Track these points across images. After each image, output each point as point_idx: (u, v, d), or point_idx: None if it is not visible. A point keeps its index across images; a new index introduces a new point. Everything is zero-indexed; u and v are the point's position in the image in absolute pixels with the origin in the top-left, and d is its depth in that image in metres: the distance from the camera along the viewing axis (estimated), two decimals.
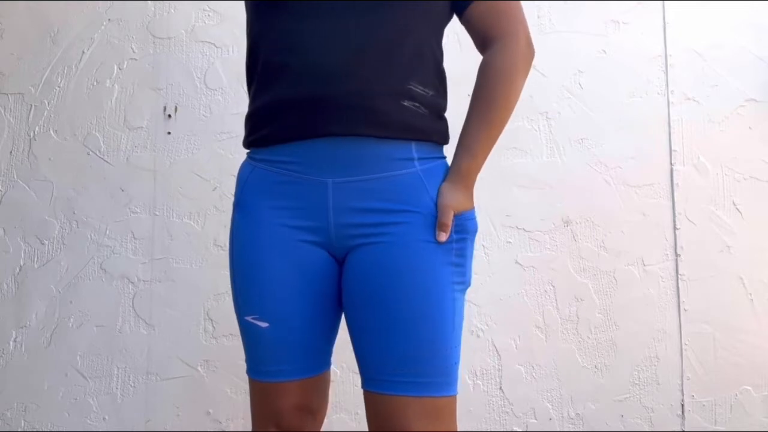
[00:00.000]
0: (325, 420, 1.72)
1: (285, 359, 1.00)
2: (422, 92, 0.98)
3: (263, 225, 0.99)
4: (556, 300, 1.87)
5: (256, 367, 1.04)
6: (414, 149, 0.98)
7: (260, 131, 0.99)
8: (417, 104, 0.97)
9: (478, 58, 2.06)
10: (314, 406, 1.06)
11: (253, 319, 1.00)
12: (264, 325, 0.99)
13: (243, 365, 1.90)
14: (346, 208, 0.95)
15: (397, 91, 0.95)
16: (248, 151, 1.06)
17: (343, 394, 1.79)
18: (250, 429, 1.80)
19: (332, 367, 1.11)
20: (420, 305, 0.94)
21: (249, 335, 1.03)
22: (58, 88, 1.90)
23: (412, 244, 0.95)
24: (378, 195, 0.95)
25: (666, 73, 1.95)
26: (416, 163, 0.98)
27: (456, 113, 1.91)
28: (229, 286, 1.80)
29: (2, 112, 1.90)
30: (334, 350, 1.10)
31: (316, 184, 0.95)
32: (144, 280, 1.84)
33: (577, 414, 1.85)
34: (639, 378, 1.86)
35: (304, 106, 0.93)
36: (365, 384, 0.98)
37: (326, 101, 0.92)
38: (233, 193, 1.07)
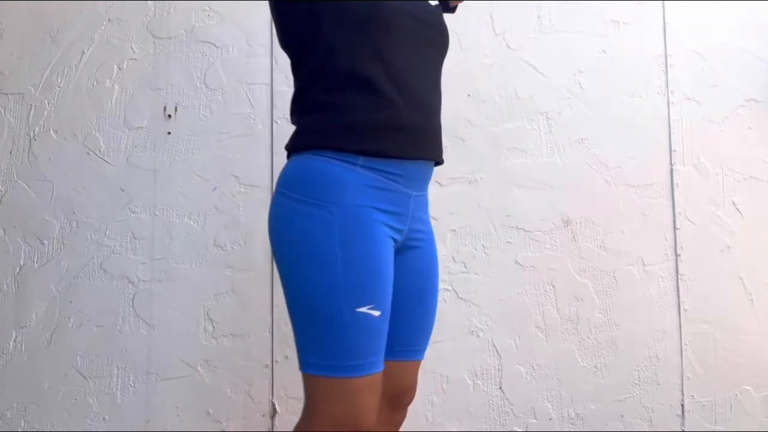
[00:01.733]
0: None
1: (382, 348, 1.07)
2: None
3: (372, 221, 1.08)
4: (556, 300, 1.87)
5: (353, 363, 1.03)
6: None
7: (377, 144, 1.09)
8: None
9: (479, 57, 2.07)
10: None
11: (368, 309, 1.03)
12: (377, 313, 1.05)
13: (243, 365, 1.90)
14: (415, 216, 1.18)
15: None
16: (333, 152, 1.07)
17: None
18: (250, 429, 1.80)
19: None
20: (437, 289, 1.26)
21: (356, 328, 1.03)
22: (58, 88, 1.90)
23: (434, 244, 1.26)
24: (425, 207, 1.23)
25: (666, 73, 1.95)
26: None
27: (456, 113, 1.92)
28: (230, 286, 1.81)
29: (2, 112, 1.90)
30: None
31: (407, 195, 1.15)
32: (144, 280, 1.84)
33: (577, 414, 1.85)
34: (639, 378, 1.86)
35: (417, 133, 1.13)
36: (389, 355, 1.16)
37: (427, 131, 1.16)
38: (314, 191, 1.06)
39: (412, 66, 1.13)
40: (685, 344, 1.87)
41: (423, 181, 1.19)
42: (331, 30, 1.09)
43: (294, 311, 1.07)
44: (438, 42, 1.20)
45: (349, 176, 1.07)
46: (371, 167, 1.09)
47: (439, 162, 1.21)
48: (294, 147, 1.12)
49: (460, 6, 1.48)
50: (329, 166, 1.07)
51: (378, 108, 1.08)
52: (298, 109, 1.14)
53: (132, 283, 1.84)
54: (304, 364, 1.05)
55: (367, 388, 1.04)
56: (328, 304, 1.03)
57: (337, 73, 1.08)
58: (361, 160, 1.08)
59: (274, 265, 1.84)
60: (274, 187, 1.16)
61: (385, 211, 1.10)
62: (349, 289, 1.03)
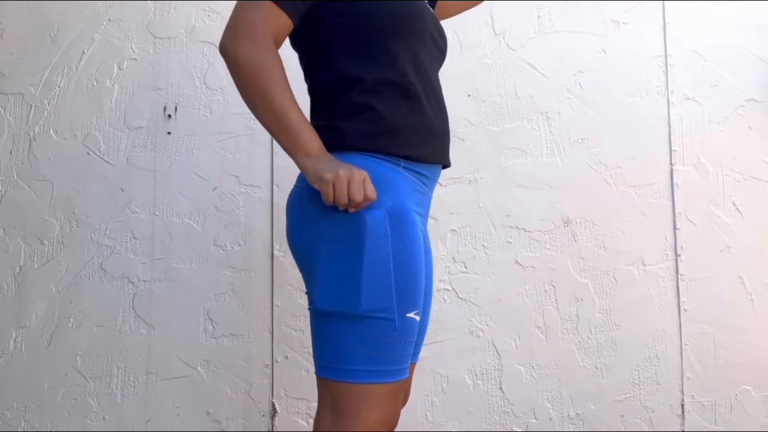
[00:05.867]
0: None
1: (410, 351, 1.07)
2: None
3: (416, 225, 1.09)
4: (556, 300, 1.87)
5: (398, 368, 1.03)
6: None
7: (418, 148, 1.11)
8: None
9: (479, 57, 2.07)
10: None
11: (414, 314, 1.04)
12: (418, 319, 1.07)
13: (243, 365, 1.90)
14: (428, 217, 1.22)
15: None
16: (379, 154, 1.07)
17: None
18: (250, 429, 1.80)
19: None
20: (432, 291, 1.25)
21: (405, 333, 1.03)
22: (58, 88, 1.90)
23: (430, 246, 1.24)
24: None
25: (666, 73, 1.95)
26: None
27: (456, 113, 1.92)
28: (230, 286, 1.82)
29: (2, 112, 1.90)
30: None
31: (430, 198, 1.21)
32: (144, 280, 1.84)
33: (577, 414, 1.85)
34: (639, 378, 1.86)
35: (444, 137, 1.19)
36: None
37: (447, 136, 1.20)
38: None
39: (434, 72, 1.17)
40: (685, 344, 1.87)
41: (436, 184, 1.23)
42: (370, 34, 1.08)
43: (334, 316, 1.01)
44: (444, 52, 1.23)
45: (397, 178, 1.08)
46: (411, 170, 1.11)
47: (446, 165, 1.22)
48: (335, 146, 1.06)
49: None
50: (379, 166, 1.06)
51: (415, 112, 1.10)
52: (329, 111, 1.09)
53: (132, 283, 1.84)
54: (345, 373, 1.00)
55: (402, 390, 1.06)
56: (383, 309, 1.00)
57: (376, 76, 1.07)
58: (403, 162, 1.09)
59: (275, 265, 1.85)
60: (294, 185, 1.12)
61: (419, 214, 1.13)
62: (401, 293, 1.02)
